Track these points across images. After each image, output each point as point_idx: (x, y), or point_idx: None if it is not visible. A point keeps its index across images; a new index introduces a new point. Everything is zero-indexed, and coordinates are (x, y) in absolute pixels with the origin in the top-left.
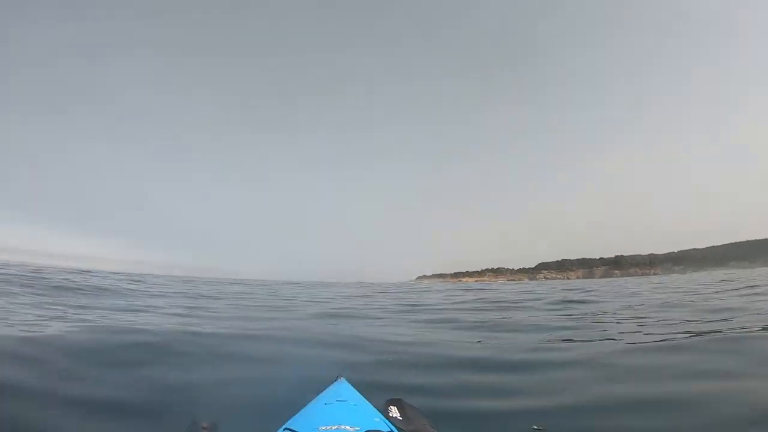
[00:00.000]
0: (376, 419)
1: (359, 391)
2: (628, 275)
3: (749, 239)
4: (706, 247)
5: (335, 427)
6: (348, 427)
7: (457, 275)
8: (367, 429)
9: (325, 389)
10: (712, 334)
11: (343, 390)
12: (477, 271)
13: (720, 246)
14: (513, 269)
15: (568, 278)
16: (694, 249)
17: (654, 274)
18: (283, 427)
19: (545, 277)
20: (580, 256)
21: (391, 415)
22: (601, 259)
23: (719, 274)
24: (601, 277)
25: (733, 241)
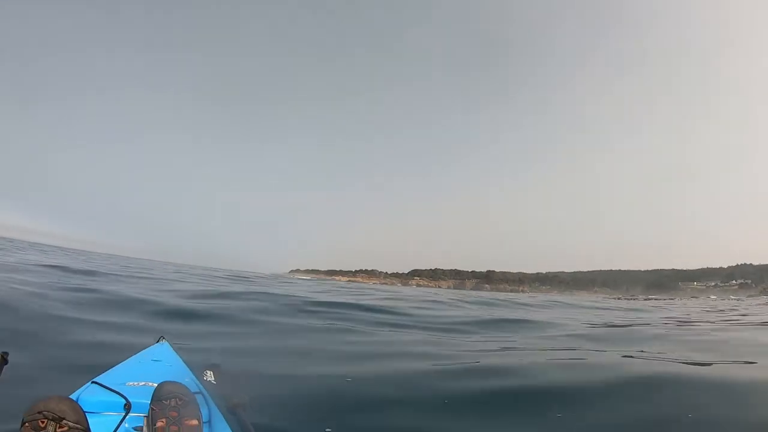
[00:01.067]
0: (186, 380)
1: (180, 355)
2: (498, 290)
3: (613, 269)
4: (573, 271)
5: (142, 383)
6: (155, 384)
7: (330, 273)
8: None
9: (143, 350)
10: None
11: (161, 351)
12: (351, 271)
13: (586, 272)
14: (387, 272)
15: (439, 287)
16: (561, 272)
17: (522, 291)
18: (91, 380)
19: (417, 284)
20: (453, 267)
21: (205, 379)
22: (473, 272)
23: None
24: (471, 289)
25: (599, 269)
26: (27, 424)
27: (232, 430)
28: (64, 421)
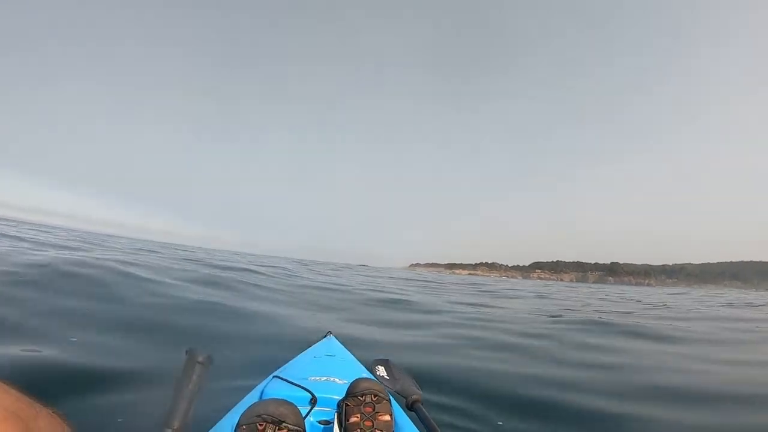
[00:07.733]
0: (363, 375)
1: (347, 349)
2: (622, 283)
3: (744, 260)
4: (701, 263)
5: (324, 378)
6: (337, 380)
7: (450, 266)
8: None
9: (313, 345)
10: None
11: (331, 346)
12: (471, 264)
13: (715, 263)
14: (507, 265)
15: (561, 280)
16: (689, 263)
17: (648, 284)
18: (272, 375)
19: (539, 277)
20: (575, 259)
21: (378, 374)
22: (596, 264)
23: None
24: (594, 282)
25: (728, 260)
26: (244, 426)
27: (415, 426)
28: (284, 424)
